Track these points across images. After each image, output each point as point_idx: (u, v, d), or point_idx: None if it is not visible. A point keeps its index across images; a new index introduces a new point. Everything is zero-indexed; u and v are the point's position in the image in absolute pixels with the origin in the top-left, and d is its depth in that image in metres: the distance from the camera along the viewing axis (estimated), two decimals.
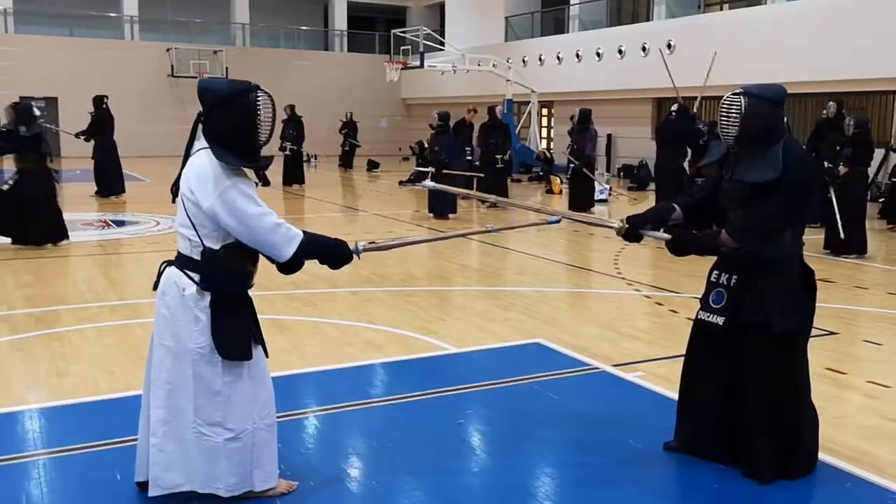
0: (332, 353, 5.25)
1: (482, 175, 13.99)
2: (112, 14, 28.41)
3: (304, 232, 3.02)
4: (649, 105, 21.13)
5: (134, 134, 23.07)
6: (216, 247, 2.97)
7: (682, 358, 5.21)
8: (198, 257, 2.98)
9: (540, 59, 23.48)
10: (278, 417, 4.09)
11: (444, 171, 12.39)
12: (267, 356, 3.21)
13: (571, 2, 23.96)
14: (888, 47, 14.54)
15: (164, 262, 3.11)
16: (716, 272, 3.52)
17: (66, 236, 9.63)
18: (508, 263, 9.12)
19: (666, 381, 4.69)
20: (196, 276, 2.98)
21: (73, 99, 23.42)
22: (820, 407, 4.35)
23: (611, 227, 3.65)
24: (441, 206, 12.45)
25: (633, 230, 3.56)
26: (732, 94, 3.34)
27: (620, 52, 20.70)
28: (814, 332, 5.88)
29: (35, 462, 3.53)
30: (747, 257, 3.36)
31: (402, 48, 23.20)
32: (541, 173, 19.79)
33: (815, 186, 3.53)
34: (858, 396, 4.64)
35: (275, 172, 18.58)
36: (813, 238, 10.80)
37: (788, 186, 3.28)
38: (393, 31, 23.79)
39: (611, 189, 16.20)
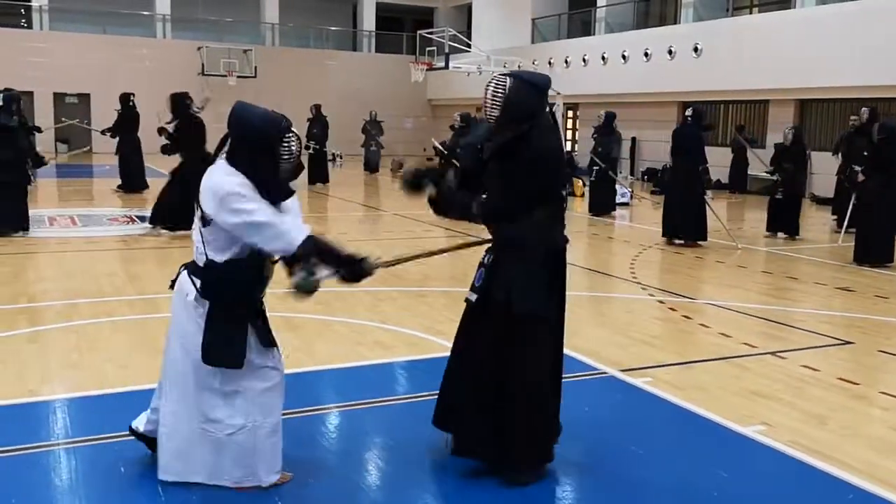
0: (342, 353, 5.29)
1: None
2: (145, 12, 28.78)
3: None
4: (674, 108, 20.97)
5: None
6: (219, 259, 3.07)
7: (692, 364, 5.22)
8: (202, 265, 3.11)
9: (566, 62, 23.41)
10: (284, 414, 4.13)
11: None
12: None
13: (598, 4, 23.84)
14: None
15: (184, 264, 3.24)
16: (484, 253, 3.52)
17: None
18: None
19: (674, 388, 4.67)
20: (198, 283, 3.11)
21: (106, 95, 23.76)
22: (829, 417, 4.33)
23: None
24: None
25: (410, 181, 3.54)
26: (500, 75, 3.37)
27: (646, 55, 20.57)
28: (828, 341, 5.89)
29: (44, 453, 3.60)
30: (499, 238, 3.41)
31: (428, 49, 23.24)
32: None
33: (551, 175, 3.40)
34: (870, 408, 4.57)
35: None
36: (836, 246, 10.66)
37: (524, 168, 3.27)
38: (419, 31, 23.82)
39: (632, 193, 16.10)
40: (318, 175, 17.70)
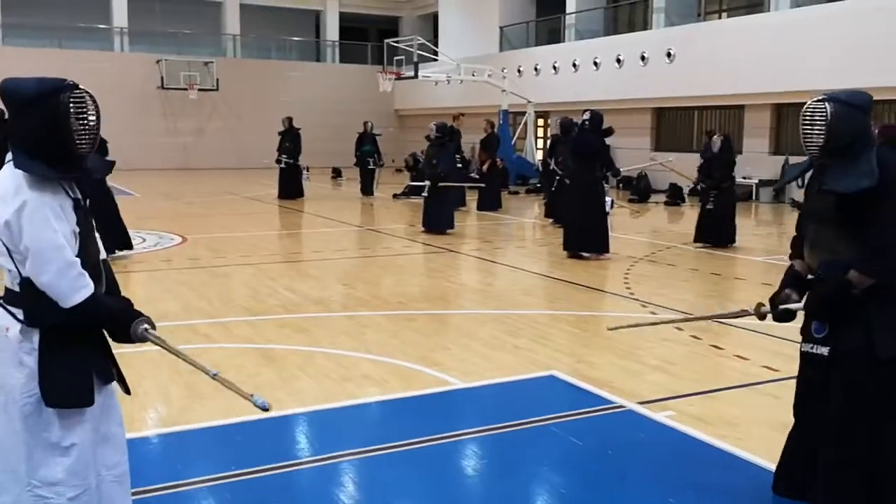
0: (328, 389, 4.74)
1: (483, 185, 14.21)
2: (102, 25, 27.92)
3: (94, 291, 2.49)
4: (648, 115, 20.76)
5: (122, 146, 22.61)
6: None
7: (715, 394, 4.77)
8: (18, 289, 2.47)
9: (535, 69, 23.09)
10: (264, 469, 3.61)
11: (441, 185, 11.93)
12: (128, 392, 2.75)
13: (567, 10, 23.58)
14: (886, 56, 14.18)
15: None
16: None
17: None
18: (512, 283, 8.62)
19: (700, 423, 4.21)
20: (19, 313, 2.47)
21: None
22: None
23: (749, 315, 3.34)
24: (438, 220, 11.96)
25: (779, 311, 3.21)
26: (815, 101, 3.05)
27: (619, 60, 20.32)
28: None
29: None
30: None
31: (395, 58, 22.77)
32: (538, 185, 19.37)
33: None
34: None
35: (270, 185, 18.11)
36: None
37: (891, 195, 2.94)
38: (386, 40, 23.33)
39: (612, 201, 15.68)
40: (291, 190, 17.07)
